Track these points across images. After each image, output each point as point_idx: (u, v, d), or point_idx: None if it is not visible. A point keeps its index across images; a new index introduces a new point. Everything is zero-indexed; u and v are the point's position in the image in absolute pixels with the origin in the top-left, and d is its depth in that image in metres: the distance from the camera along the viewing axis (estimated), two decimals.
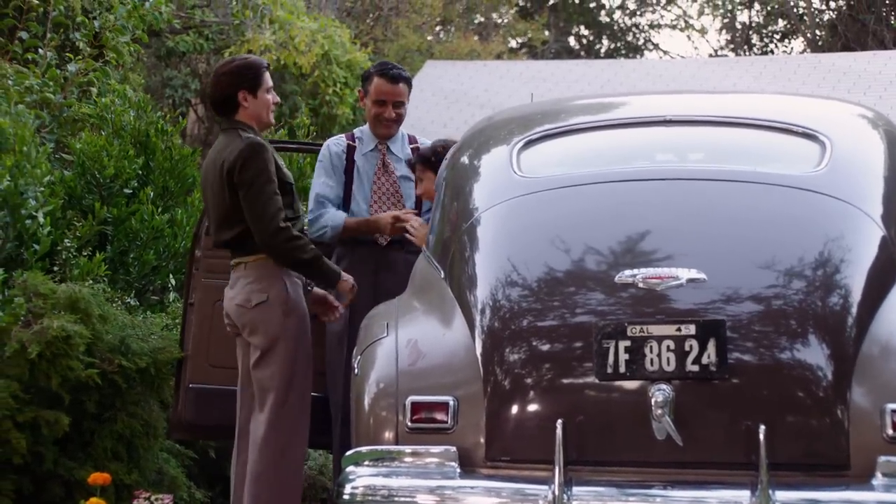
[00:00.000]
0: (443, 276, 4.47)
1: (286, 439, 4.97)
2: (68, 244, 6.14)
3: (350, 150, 5.74)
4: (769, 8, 29.49)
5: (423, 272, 4.71)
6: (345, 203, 5.70)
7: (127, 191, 6.53)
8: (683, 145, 4.70)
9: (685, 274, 3.99)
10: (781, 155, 4.53)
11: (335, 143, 5.79)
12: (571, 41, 33.01)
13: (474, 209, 4.50)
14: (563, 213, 4.28)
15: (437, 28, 23.59)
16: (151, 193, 6.75)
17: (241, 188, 4.92)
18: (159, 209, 6.81)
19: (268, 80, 5.17)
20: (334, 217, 5.61)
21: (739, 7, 30.00)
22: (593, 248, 4.19)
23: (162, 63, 15.72)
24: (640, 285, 3.98)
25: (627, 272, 4.00)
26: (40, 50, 7.03)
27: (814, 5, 28.81)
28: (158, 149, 6.87)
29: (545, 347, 4.03)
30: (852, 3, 27.34)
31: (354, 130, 5.88)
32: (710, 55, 30.58)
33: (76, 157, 6.51)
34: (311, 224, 5.63)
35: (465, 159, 4.88)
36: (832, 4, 28.38)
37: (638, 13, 33.84)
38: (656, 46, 34.09)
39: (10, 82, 6.65)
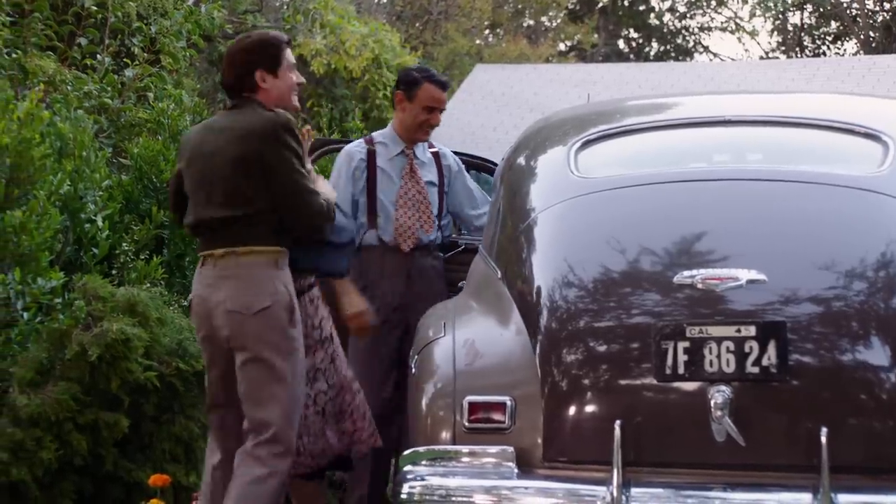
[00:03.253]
0: (500, 276, 4.47)
1: (279, 478, 4.39)
2: (126, 248, 6.21)
3: (371, 154, 5.63)
4: (821, 9, 29.22)
5: (481, 272, 4.71)
6: (369, 208, 5.59)
7: None
8: (742, 146, 4.66)
9: (745, 275, 3.96)
10: (843, 155, 4.49)
11: (357, 150, 5.63)
12: (621, 44, 32.91)
13: (531, 209, 4.49)
14: (620, 213, 4.26)
15: (487, 31, 23.59)
16: None
17: (274, 164, 4.33)
18: None
19: (289, 57, 4.55)
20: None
21: (791, 9, 29.76)
22: (651, 248, 4.16)
23: (214, 68, 15.85)
24: (699, 286, 3.95)
25: (686, 273, 3.98)
26: (98, 56, 7.11)
27: (867, 6, 28.53)
28: None
29: (603, 348, 4.01)
30: None
31: (373, 134, 5.73)
32: (762, 57, 30.36)
33: (133, 162, 6.58)
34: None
35: (521, 160, 4.87)
36: (886, 5, 28.10)
37: (688, 16, 33.69)
38: (706, 49, 33.95)
39: (69, 88, 6.74)
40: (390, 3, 20.76)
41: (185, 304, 6.24)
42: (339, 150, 6.04)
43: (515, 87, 17.20)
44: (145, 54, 7.13)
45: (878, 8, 28.63)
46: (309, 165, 4.57)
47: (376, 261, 5.53)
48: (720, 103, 5.30)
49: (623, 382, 3.97)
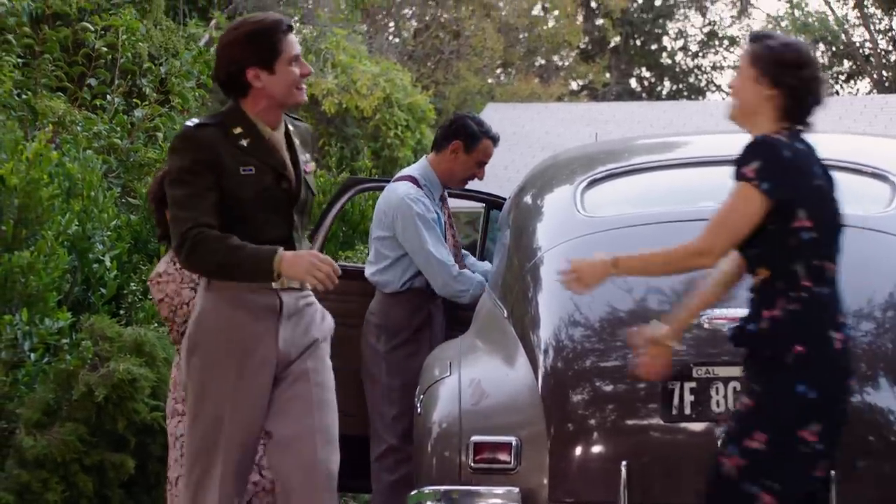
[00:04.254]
0: (506, 315, 4.46)
1: None
2: (134, 287, 6.22)
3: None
4: (834, 49, 29.28)
5: (487, 311, 4.70)
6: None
7: None
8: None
9: None
10: (850, 195, 4.46)
11: (424, 200, 5.35)
12: (633, 83, 33.00)
13: (538, 248, 4.49)
14: (627, 252, 4.24)
15: (498, 70, 23.70)
16: None
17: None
18: None
19: (289, 45, 3.72)
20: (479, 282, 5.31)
21: None
22: (657, 287, 4.15)
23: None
24: (706, 326, 3.95)
25: None
26: (108, 96, 7.15)
27: (880, 46, 28.58)
28: None
29: (609, 388, 4.00)
30: None
31: (416, 175, 5.46)
32: None
33: (142, 202, 6.60)
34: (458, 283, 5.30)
35: (528, 199, 4.87)
36: None
37: (700, 55, 33.77)
38: (719, 88, 33.97)
39: (78, 128, 6.77)
40: (402, 43, 20.88)
41: None
42: (378, 188, 5.97)
43: (527, 126, 17.24)
44: (155, 94, 7.17)
45: (891, 47, 28.69)
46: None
47: (426, 305, 5.43)
48: (729, 142, 5.27)
49: (629, 423, 3.95)
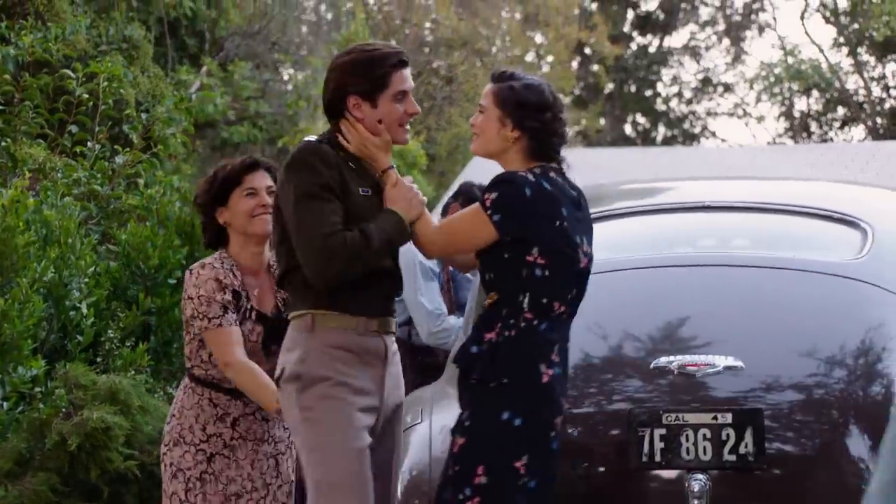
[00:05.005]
0: None
1: None
2: (112, 335, 6.16)
3: None
4: (828, 96, 29.40)
5: None
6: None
7: (171, 281, 6.55)
8: (727, 231, 4.67)
9: (722, 361, 3.95)
10: (822, 242, 4.48)
11: None
12: (627, 129, 33.12)
13: None
14: (601, 297, 4.22)
15: None
16: None
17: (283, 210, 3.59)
18: None
19: (400, 80, 3.58)
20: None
21: (798, 94, 29.94)
22: (631, 333, 4.15)
23: (217, 153, 15.97)
24: (677, 372, 3.95)
25: (664, 359, 3.98)
26: (89, 143, 7.15)
27: (874, 93, 28.70)
28: (202, 239, 6.88)
29: (580, 434, 3.98)
30: None
31: None
32: (769, 143, 30.50)
33: (121, 248, 6.57)
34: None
35: None
36: (893, 92, 28.27)
37: (694, 101, 33.91)
38: (713, 134, 34.09)
39: (58, 175, 6.77)
40: None
41: (172, 391, 6.18)
42: None
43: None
44: (137, 141, 7.16)
45: (885, 95, 28.80)
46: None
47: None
48: (706, 189, 5.30)
49: (600, 469, 3.94)
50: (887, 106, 28.89)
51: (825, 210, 4.54)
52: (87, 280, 6.20)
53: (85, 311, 6.09)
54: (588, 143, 29.13)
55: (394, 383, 3.69)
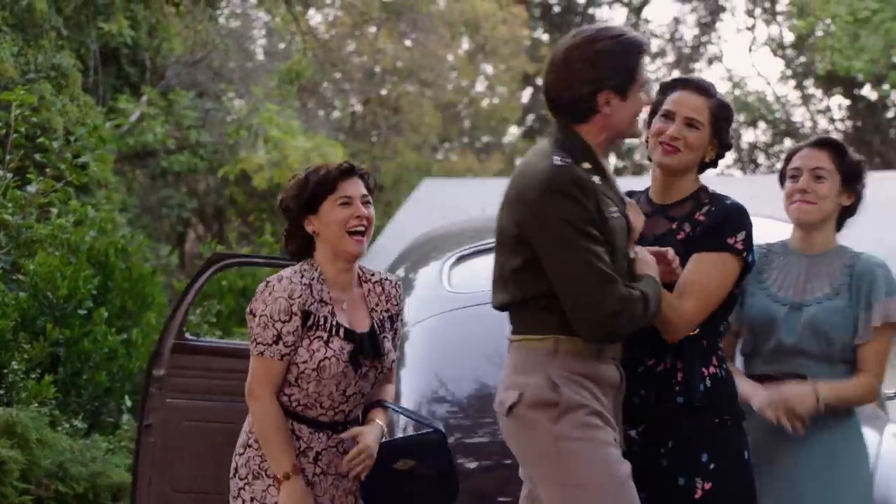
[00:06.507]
0: None
1: None
2: (16, 367, 6.04)
3: None
4: (775, 128, 29.68)
5: None
6: None
7: (81, 311, 6.45)
8: None
9: None
10: None
11: None
12: None
13: (405, 323, 4.42)
14: (491, 328, 4.17)
15: (436, 147, 23.81)
16: (106, 314, 6.67)
17: (537, 241, 3.16)
18: (115, 329, 6.73)
19: (644, 71, 3.25)
20: None
21: (745, 126, 30.20)
22: None
23: (159, 182, 15.84)
24: None
25: None
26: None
27: (819, 125, 28.99)
28: (117, 268, 6.82)
29: (474, 465, 3.92)
30: (858, 124, 27.52)
31: None
32: (717, 174, 30.66)
33: (29, 278, 6.46)
34: None
35: (401, 272, 4.86)
36: (838, 125, 28.55)
37: (645, 131, 34.10)
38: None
39: None
40: (341, 119, 20.93)
41: (78, 423, 6.07)
42: (246, 264, 5.90)
43: (462, 201, 17.22)
44: (48, 170, 7.06)
45: (830, 127, 29.10)
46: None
47: None
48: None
49: (501, 500, 3.85)
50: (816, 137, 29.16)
51: None
52: None
53: None
54: None
55: (619, 415, 3.33)
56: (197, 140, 15.17)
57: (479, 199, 17.69)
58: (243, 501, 3.56)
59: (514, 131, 29.24)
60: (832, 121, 29.03)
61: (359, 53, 20.59)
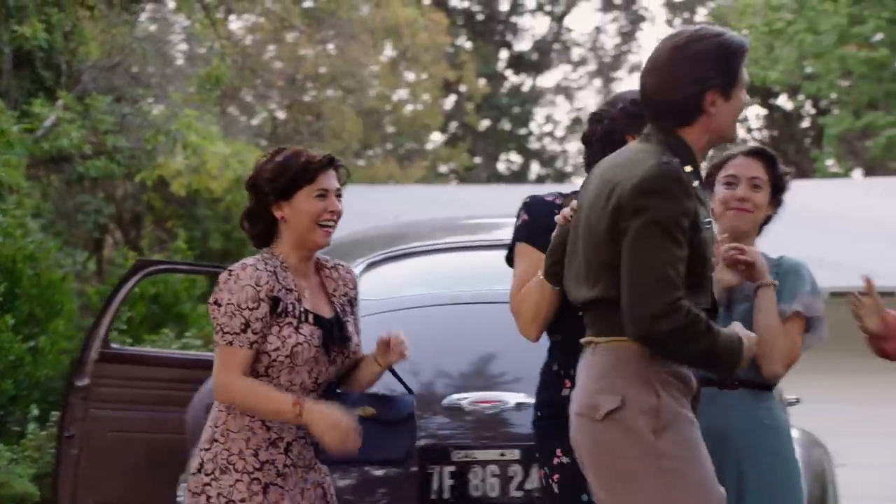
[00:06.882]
0: None
1: None
2: None
3: None
4: None
5: None
6: None
7: None
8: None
9: (513, 398, 3.97)
10: None
11: None
12: (501, 167, 33.41)
13: None
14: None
15: (357, 153, 23.80)
16: (13, 321, 6.60)
17: (625, 233, 3.02)
18: (22, 337, 6.65)
19: (745, 71, 3.15)
20: None
21: None
22: (423, 371, 4.13)
23: (76, 188, 15.65)
24: (467, 409, 3.96)
25: (455, 396, 4.02)
26: None
27: (746, 139, 29.44)
28: (24, 274, 6.75)
29: (374, 471, 3.97)
30: (774, 133, 27.99)
31: None
32: None
33: None
34: None
35: None
36: (756, 134, 29.03)
37: (567, 140, 34.40)
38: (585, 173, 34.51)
39: None
40: (263, 124, 20.84)
41: None
42: (170, 271, 5.87)
43: (383, 208, 17.25)
44: None
45: (749, 136, 29.57)
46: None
47: None
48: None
49: None
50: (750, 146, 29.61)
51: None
52: None
53: None
54: (461, 180, 29.32)
55: None
56: (114, 145, 14.99)
57: (400, 205, 17.75)
58: (207, 498, 3.43)
59: (436, 138, 29.35)
60: (749, 130, 29.49)
61: (280, 59, 20.52)
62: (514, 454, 3.86)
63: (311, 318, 3.49)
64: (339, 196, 3.57)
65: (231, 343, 3.42)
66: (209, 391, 5.50)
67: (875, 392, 11.17)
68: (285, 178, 3.49)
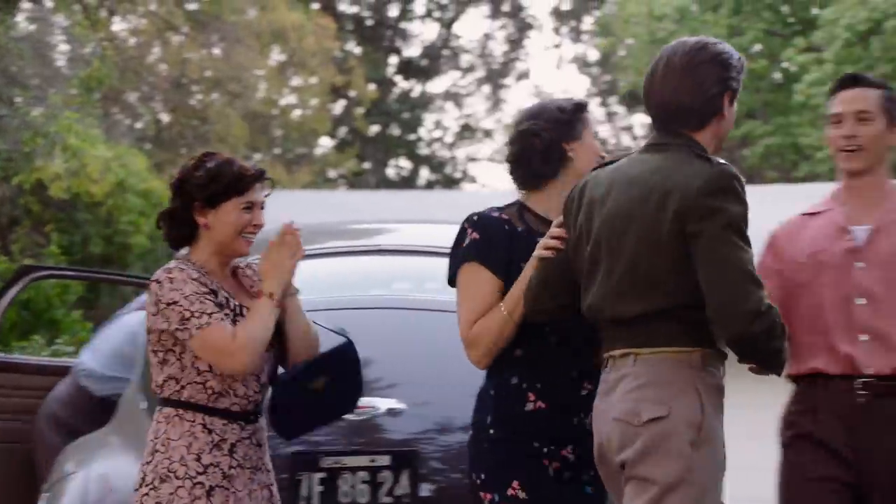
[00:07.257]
0: (144, 407, 4.31)
1: None
2: None
3: None
4: None
5: (128, 404, 4.56)
6: None
7: None
8: (393, 274, 4.71)
9: (384, 404, 3.99)
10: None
11: None
12: (390, 172, 33.44)
13: None
14: None
15: (245, 156, 23.60)
16: None
17: (699, 236, 3.03)
18: None
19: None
20: None
21: None
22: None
23: None
24: None
25: None
26: None
27: (623, 142, 29.92)
28: None
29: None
30: None
31: None
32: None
33: None
34: None
35: None
36: (641, 142, 29.53)
37: (456, 146, 34.57)
38: (474, 179, 34.79)
39: None
40: (146, 128, 20.56)
41: None
42: (57, 276, 5.76)
43: (268, 213, 17.14)
44: None
45: (633, 144, 30.06)
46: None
47: None
48: (406, 232, 5.38)
49: None
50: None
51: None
52: None
53: None
54: (351, 185, 29.28)
55: None
56: None
57: (287, 210, 17.68)
58: None
59: (325, 143, 29.27)
60: (635, 138, 30.00)
61: (165, 62, 20.27)
62: (385, 460, 3.87)
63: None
64: (262, 208, 3.59)
65: (209, 324, 3.38)
66: (52, 400, 5.44)
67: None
68: (216, 186, 3.48)
